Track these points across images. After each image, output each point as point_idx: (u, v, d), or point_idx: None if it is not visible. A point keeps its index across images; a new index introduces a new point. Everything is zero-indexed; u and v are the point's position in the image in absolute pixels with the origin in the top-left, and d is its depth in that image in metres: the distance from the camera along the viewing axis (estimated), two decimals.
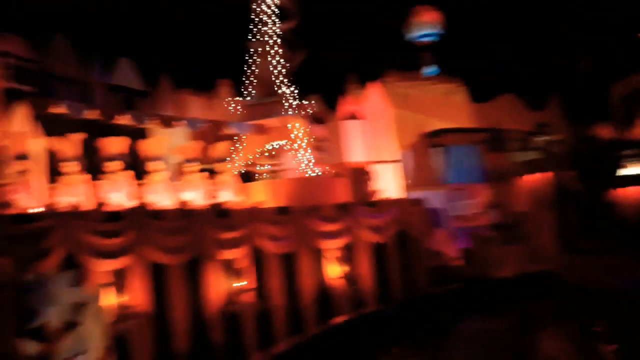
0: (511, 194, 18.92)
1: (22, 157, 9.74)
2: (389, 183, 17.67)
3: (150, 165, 11.39)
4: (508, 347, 10.79)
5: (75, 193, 10.12)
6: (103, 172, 10.75)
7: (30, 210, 9.14)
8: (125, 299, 8.79)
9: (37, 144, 10.59)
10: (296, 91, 15.07)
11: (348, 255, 11.98)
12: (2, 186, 9.51)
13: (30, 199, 9.38)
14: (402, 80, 20.80)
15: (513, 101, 24.54)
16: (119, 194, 10.63)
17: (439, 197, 17.99)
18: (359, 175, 17.05)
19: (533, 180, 18.92)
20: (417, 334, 11.66)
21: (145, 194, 11.14)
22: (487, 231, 17.74)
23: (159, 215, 9.75)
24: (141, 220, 9.33)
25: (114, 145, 10.85)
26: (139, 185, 11.19)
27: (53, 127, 11.16)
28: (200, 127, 12.03)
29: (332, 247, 11.77)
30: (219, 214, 10.56)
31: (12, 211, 9.12)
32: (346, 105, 18.34)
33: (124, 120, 12.51)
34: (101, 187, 10.55)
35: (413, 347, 11.01)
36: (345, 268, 11.72)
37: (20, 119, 10.87)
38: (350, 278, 11.80)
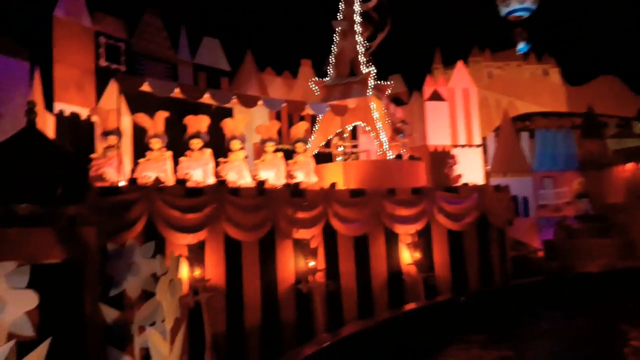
0: (604, 184, 17.56)
1: (110, 133, 10.24)
2: (470, 168, 16.99)
3: (230, 144, 11.60)
4: (591, 346, 10.08)
5: (159, 169, 10.54)
6: (186, 149, 11.09)
7: (117, 184, 9.64)
8: (200, 272, 9.07)
9: (125, 121, 11.13)
10: (376, 71, 14.73)
11: (423, 241, 11.63)
12: (93, 160, 10.10)
13: (118, 173, 9.88)
14: (489, 60, 19.78)
15: (613, 84, 22.69)
16: (199, 170, 10.93)
17: (524, 184, 17.11)
18: (440, 159, 16.55)
19: (631, 169, 17.43)
20: (493, 326, 11.19)
21: (225, 171, 11.39)
22: (575, 222, 16.64)
23: (237, 192, 9.94)
24: (220, 196, 9.55)
25: (196, 123, 11.13)
26: (220, 162, 11.45)
27: (140, 104, 11.67)
28: (279, 107, 12.05)
29: (406, 232, 11.48)
30: (294, 193, 10.60)
31: (101, 184, 9.68)
32: (428, 85, 17.73)
33: (207, 99, 12.80)
34: (183, 163, 10.89)
35: (489, 340, 10.57)
36: (420, 254, 11.40)
37: (109, 96, 11.44)
38: (424, 265, 11.47)
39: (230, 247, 9.64)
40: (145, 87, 10.67)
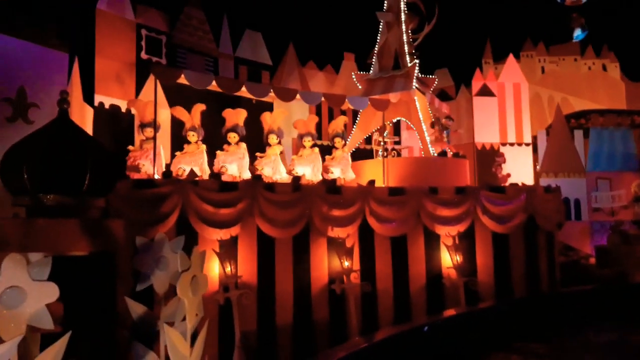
0: None
1: (147, 125, 10.23)
2: (519, 167, 16.21)
3: (267, 138, 11.42)
4: None
5: (194, 162, 10.46)
6: (223, 143, 10.97)
7: (152, 176, 9.61)
8: (232, 269, 8.91)
9: (164, 114, 11.11)
10: (420, 64, 14.22)
11: (466, 243, 11.10)
12: (130, 152, 10.12)
13: (154, 165, 9.85)
14: (543, 55, 18.83)
15: None
16: (235, 165, 10.79)
17: (577, 185, 16.18)
18: (487, 158, 15.89)
19: None
20: (538, 337, 10.56)
21: (261, 166, 11.22)
22: (632, 227, 15.60)
23: (272, 187, 9.73)
24: (254, 192, 9.36)
25: (234, 116, 10.99)
26: (256, 157, 11.30)
27: (180, 97, 11.66)
28: (317, 100, 11.74)
29: (448, 233, 10.97)
30: (330, 190, 10.30)
31: (137, 176, 9.68)
32: (477, 80, 17.00)
33: (247, 92, 12.67)
34: (219, 157, 10.78)
35: (533, 351, 9.98)
36: (461, 257, 10.88)
37: (149, 89, 11.46)
38: (466, 269, 10.94)
39: (263, 244, 9.45)
40: (182, 80, 10.60)
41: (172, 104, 11.16)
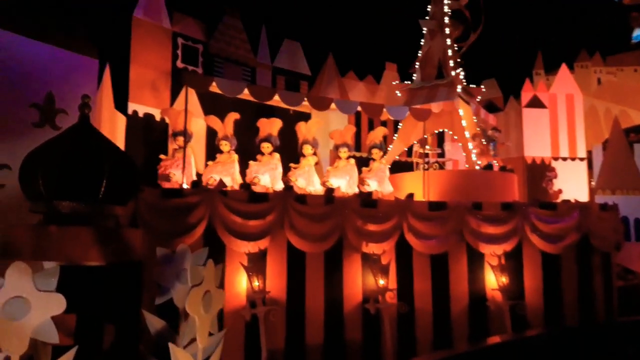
0: None
1: (179, 134, 10.08)
2: (572, 183, 15.21)
3: (302, 149, 11.07)
4: None
5: (226, 172, 10.21)
6: (257, 153, 10.70)
7: (182, 186, 9.41)
8: (260, 284, 8.53)
9: (199, 123, 10.95)
10: (466, 74, 13.59)
11: (512, 264, 10.33)
12: (162, 161, 9.97)
13: (185, 175, 9.65)
14: (599, 65, 17.78)
15: None
16: (267, 175, 10.48)
17: (637, 203, 14.99)
18: (538, 172, 15.01)
19: None
20: None
21: (294, 177, 10.86)
22: None
23: (304, 199, 9.34)
24: (285, 203, 9.01)
25: (268, 126, 10.72)
26: (290, 168, 10.96)
27: (215, 106, 11.52)
28: (353, 110, 11.30)
29: (493, 252, 10.24)
30: (365, 203, 9.81)
31: (168, 185, 9.49)
32: (527, 90, 16.15)
33: (283, 102, 12.42)
34: (252, 167, 10.50)
35: None
36: (508, 279, 10.11)
37: (183, 97, 11.36)
38: (512, 291, 10.16)
39: (294, 259, 9.04)
40: (217, 89, 10.42)
41: (207, 113, 10.98)
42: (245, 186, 9.43)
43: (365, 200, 9.94)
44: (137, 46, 10.78)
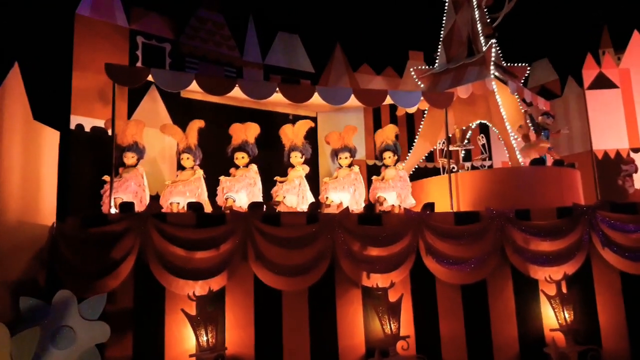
0: None
1: (128, 149, 8.34)
2: None
3: (290, 157, 9.08)
4: None
5: (191, 192, 8.34)
6: (230, 165, 8.81)
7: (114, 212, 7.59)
8: (212, 337, 6.48)
9: (160, 135, 9.20)
10: (504, 51, 11.19)
11: (579, 292, 7.72)
12: (105, 184, 8.24)
13: (110, 198, 7.83)
14: None
15: None
16: (244, 192, 8.53)
17: None
18: (612, 168, 12.24)
19: None
20: None
21: (281, 193, 8.85)
22: None
23: (275, 219, 7.29)
24: (248, 226, 7.00)
25: (241, 132, 8.84)
26: (275, 181, 8.98)
27: (181, 112, 9.82)
28: (345, 99, 9.11)
29: (550, 277, 7.68)
30: (364, 219, 7.62)
31: (114, 213, 7.68)
32: (588, 68, 13.38)
33: (281, 105, 10.57)
34: (224, 184, 8.59)
35: None
36: (573, 314, 7.51)
37: (144, 107, 9.72)
38: (581, 331, 7.53)
39: (264, 300, 7.00)
40: (188, 92, 8.69)
41: (184, 123, 9.12)
42: (194, 207, 7.45)
43: (364, 215, 7.74)
44: (81, 48, 9.26)
